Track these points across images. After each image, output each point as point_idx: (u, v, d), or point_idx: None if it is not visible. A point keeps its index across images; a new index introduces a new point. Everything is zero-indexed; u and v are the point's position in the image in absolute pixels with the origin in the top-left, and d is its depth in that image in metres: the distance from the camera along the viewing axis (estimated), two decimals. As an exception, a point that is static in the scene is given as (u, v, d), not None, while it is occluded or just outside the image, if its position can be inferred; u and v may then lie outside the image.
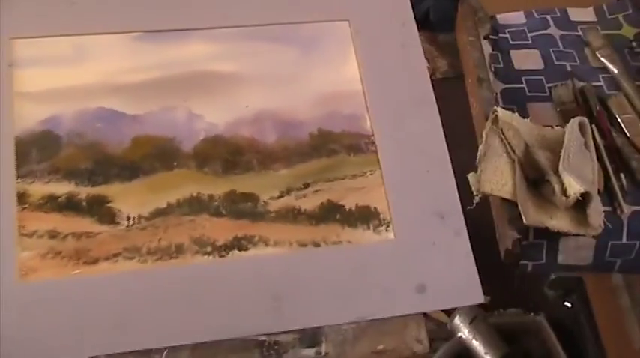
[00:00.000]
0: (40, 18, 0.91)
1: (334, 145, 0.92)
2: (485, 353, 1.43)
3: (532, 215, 0.93)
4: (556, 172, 0.95)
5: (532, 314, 1.53)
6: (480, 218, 0.98)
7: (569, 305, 1.55)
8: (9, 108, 0.87)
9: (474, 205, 0.98)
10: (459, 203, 0.91)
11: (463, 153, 1.00)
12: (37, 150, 0.86)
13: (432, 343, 1.48)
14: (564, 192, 0.93)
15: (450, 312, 1.48)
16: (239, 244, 0.86)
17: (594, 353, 1.45)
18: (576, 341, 1.49)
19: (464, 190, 0.96)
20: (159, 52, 0.93)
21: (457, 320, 1.46)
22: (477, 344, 1.45)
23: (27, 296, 0.81)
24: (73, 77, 0.90)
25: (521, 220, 0.93)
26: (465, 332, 1.46)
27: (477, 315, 1.47)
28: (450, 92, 1.06)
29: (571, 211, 0.94)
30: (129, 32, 0.93)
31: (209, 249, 0.85)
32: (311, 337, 0.84)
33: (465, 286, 0.88)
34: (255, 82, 0.93)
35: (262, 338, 0.83)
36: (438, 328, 1.50)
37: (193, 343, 0.82)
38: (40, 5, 0.92)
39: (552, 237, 0.97)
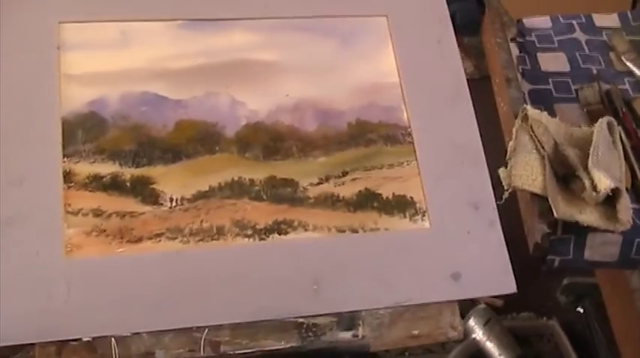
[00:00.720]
0: (88, 3, 0.93)
1: (372, 135, 0.94)
2: (500, 355, 1.45)
3: (562, 209, 0.95)
4: (585, 168, 0.97)
5: (545, 318, 1.55)
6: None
7: (581, 310, 1.56)
8: (56, 89, 0.89)
9: (503, 200, 0.99)
10: (493, 194, 0.93)
11: (489, 151, 1.01)
12: (83, 131, 0.88)
13: (446, 344, 1.50)
14: (594, 187, 0.95)
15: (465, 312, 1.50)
16: (279, 228, 0.87)
17: (607, 358, 1.47)
18: (589, 346, 1.51)
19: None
20: (202, 40, 0.95)
21: (472, 321, 1.48)
22: (491, 346, 1.46)
23: (72, 272, 0.82)
24: (118, 61, 0.92)
25: (551, 214, 0.95)
26: (479, 333, 1.47)
27: (492, 317, 1.48)
28: (475, 92, 1.08)
29: (600, 207, 0.96)
30: (174, 20, 0.95)
31: (250, 231, 0.87)
32: (348, 320, 0.86)
33: (499, 275, 0.90)
34: (296, 72, 0.95)
35: (301, 320, 0.85)
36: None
37: (233, 323, 0.83)
38: (88, -9, 0.94)
39: (580, 233, 0.98)
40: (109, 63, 0.92)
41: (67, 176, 0.86)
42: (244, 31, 0.96)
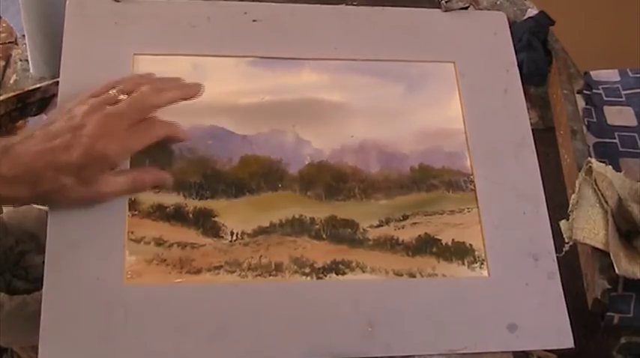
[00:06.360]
0: (162, 37, 0.95)
1: (434, 181, 0.94)
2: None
3: (624, 265, 0.94)
4: (650, 226, 0.96)
5: (599, 377, 1.51)
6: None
7: (637, 370, 1.52)
8: (127, 119, 0.90)
9: (563, 253, 0.98)
10: (553, 246, 0.92)
11: (551, 202, 1.01)
12: (150, 161, 0.89)
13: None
14: (658, 245, 0.94)
15: None
16: (337, 268, 0.88)
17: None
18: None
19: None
20: (271, 78, 0.96)
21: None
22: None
23: (131, 299, 0.83)
24: (189, 94, 0.93)
25: (612, 270, 0.94)
26: (530, 386, 1.44)
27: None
28: (539, 143, 1.07)
29: (663, 265, 0.95)
30: (244, 57, 0.96)
31: (308, 270, 0.87)
32: (401, 365, 0.86)
33: (556, 329, 0.88)
34: (362, 114, 0.96)
35: (353, 361, 0.85)
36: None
37: (285, 361, 0.84)
38: (163, 26, 0.96)
39: (641, 291, 0.97)
40: (180, 96, 0.93)
41: (132, 204, 0.87)
42: (313, 71, 0.97)
